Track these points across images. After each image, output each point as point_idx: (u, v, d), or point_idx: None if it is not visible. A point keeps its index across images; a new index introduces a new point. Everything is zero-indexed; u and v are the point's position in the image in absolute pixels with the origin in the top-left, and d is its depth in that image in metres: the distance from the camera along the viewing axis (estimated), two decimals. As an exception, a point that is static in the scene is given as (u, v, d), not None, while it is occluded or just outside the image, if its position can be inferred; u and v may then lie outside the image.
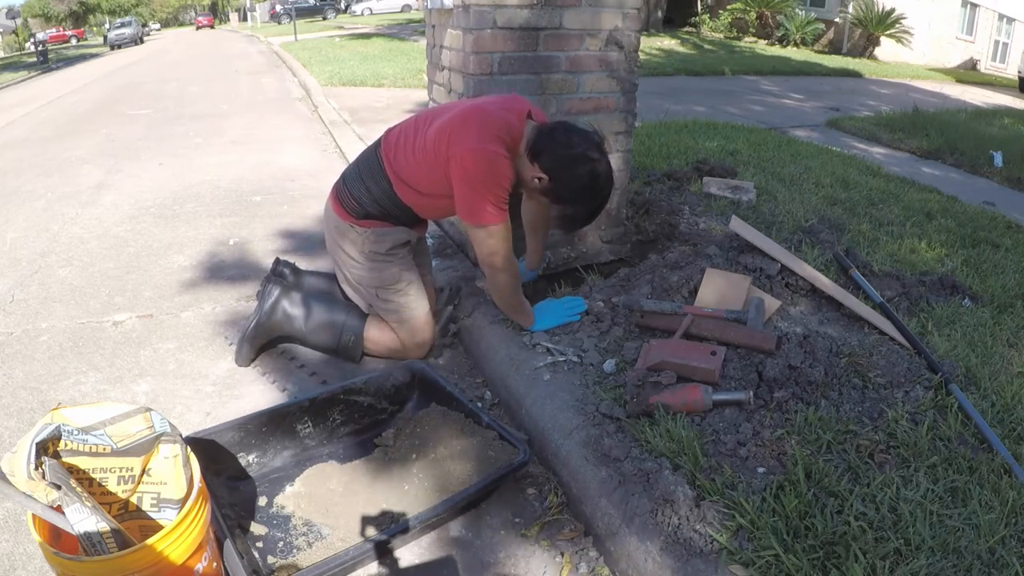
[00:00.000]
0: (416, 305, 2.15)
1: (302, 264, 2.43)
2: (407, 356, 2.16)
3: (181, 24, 65.76)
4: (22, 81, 14.14)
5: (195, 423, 1.94)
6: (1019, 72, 13.37)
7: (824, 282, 2.16)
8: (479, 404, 1.97)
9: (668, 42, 15.42)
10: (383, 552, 1.47)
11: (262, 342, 2.23)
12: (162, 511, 1.30)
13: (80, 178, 4.61)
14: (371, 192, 2.03)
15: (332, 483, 1.63)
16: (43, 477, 1.09)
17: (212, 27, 44.56)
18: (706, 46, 15.34)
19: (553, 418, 1.72)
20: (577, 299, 2.16)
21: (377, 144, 2.07)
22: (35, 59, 19.07)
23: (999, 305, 2.29)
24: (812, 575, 1.20)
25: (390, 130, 2.08)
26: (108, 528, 1.12)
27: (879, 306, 2.10)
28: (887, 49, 16.54)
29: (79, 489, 1.12)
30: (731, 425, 1.58)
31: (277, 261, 2.29)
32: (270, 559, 1.45)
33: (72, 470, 1.17)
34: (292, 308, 2.20)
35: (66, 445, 1.18)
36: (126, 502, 1.28)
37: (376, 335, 2.18)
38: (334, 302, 2.24)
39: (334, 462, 1.71)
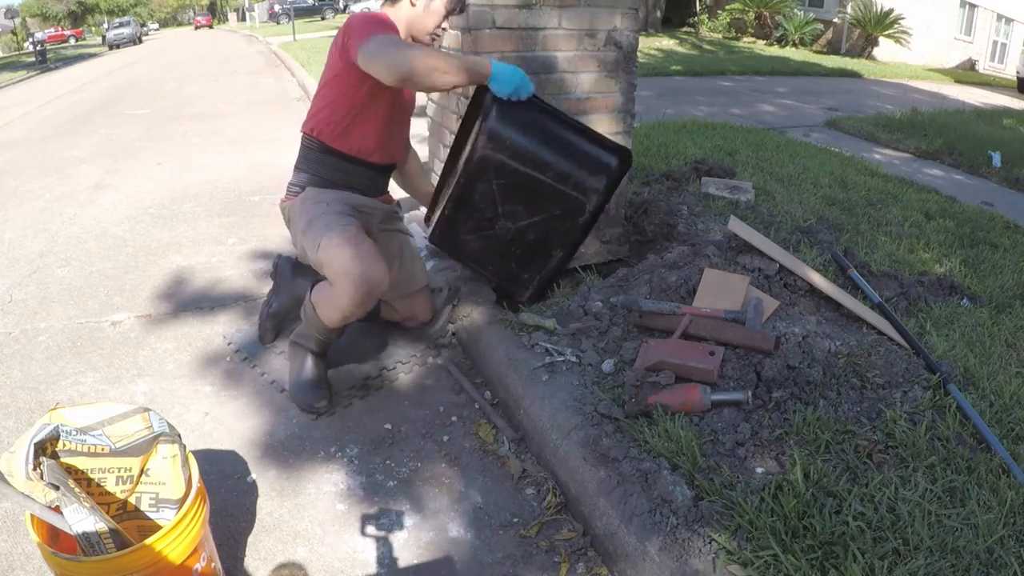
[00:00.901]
0: (340, 234, 1.83)
1: (301, 262, 2.43)
2: (348, 310, 1.84)
3: (179, 24, 65.72)
4: (20, 81, 14.12)
5: (193, 423, 1.94)
6: (1017, 72, 13.36)
7: (822, 282, 2.17)
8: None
9: (667, 42, 15.41)
10: None
11: (284, 317, 2.32)
12: (160, 511, 1.30)
13: (78, 178, 4.61)
14: (306, 169, 2.05)
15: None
16: (41, 477, 1.09)
17: (211, 27, 44.52)
18: (705, 46, 15.34)
19: (551, 418, 1.72)
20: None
21: (301, 141, 2.09)
22: (33, 59, 19.03)
23: (997, 305, 2.29)
24: (811, 575, 1.20)
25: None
26: (106, 528, 1.12)
27: (877, 306, 2.10)
28: (885, 49, 16.54)
29: (77, 489, 1.12)
30: (729, 425, 1.58)
31: (279, 257, 2.31)
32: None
33: (70, 470, 1.17)
34: (308, 276, 2.24)
35: (64, 445, 1.18)
36: (124, 502, 1.28)
37: (321, 293, 1.94)
38: None
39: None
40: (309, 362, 2.02)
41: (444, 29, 2.07)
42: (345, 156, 2.00)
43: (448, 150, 2.66)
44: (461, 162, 2.04)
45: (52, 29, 46.42)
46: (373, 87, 1.88)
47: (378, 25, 1.84)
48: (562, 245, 2.13)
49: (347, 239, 1.82)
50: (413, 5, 1.96)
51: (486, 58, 1.89)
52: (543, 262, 2.17)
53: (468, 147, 1.99)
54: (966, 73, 16.54)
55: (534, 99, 1.92)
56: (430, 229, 2.22)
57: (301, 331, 2.05)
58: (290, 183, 2.09)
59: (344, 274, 1.77)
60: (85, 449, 1.20)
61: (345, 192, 2.01)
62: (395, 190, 2.30)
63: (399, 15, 1.98)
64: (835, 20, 17.22)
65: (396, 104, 2.04)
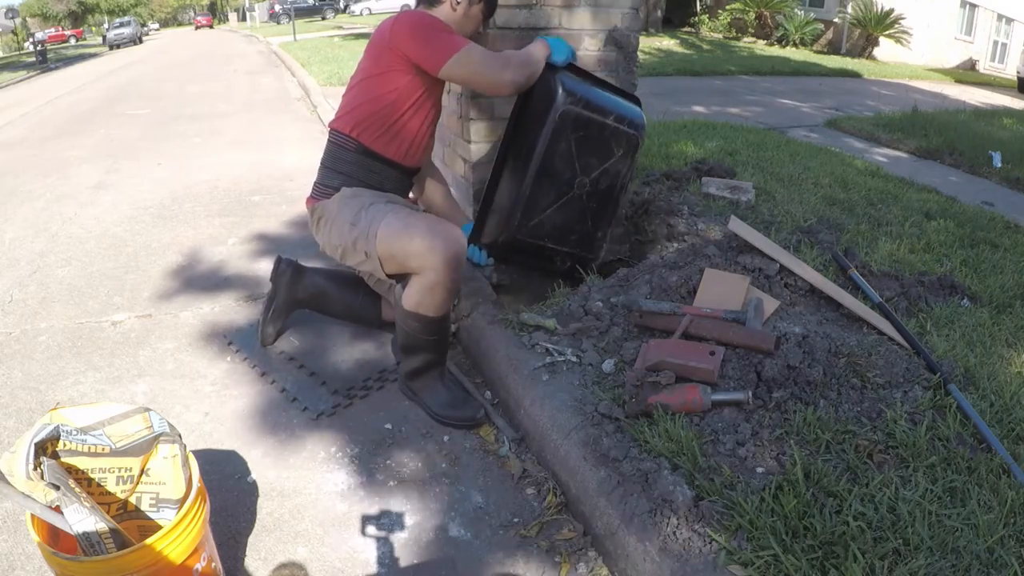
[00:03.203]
0: (395, 217, 1.83)
1: (303, 263, 2.43)
2: (449, 282, 1.80)
3: (180, 24, 65.72)
4: (21, 81, 14.12)
5: (194, 423, 1.94)
6: (1018, 72, 13.36)
7: (823, 282, 2.17)
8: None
9: (667, 42, 15.42)
10: None
11: (284, 318, 2.33)
12: (161, 511, 1.30)
13: (79, 178, 4.61)
14: (339, 169, 1.99)
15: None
16: (42, 477, 1.09)
17: (211, 27, 44.51)
18: (705, 46, 15.35)
19: (552, 418, 1.72)
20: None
21: (329, 137, 2.06)
22: (34, 59, 19.02)
23: (998, 305, 2.29)
24: (811, 575, 1.20)
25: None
26: (107, 528, 1.12)
27: (878, 306, 2.10)
28: (886, 49, 16.54)
29: (78, 489, 1.13)
30: (730, 425, 1.58)
31: (280, 259, 2.30)
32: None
33: (71, 470, 1.17)
34: (310, 278, 2.27)
35: (65, 445, 1.18)
36: (125, 502, 1.28)
37: (411, 292, 1.85)
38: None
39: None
40: (438, 381, 1.99)
41: (481, 32, 2.09)
42: (383, 159, 1.98)
43: (450, 148, 2.66)
44: (535, 133, 2.09)
45: (52, 29, 46.45)
46: (425, 91, 1.90)
47: (448, 34, 1.88)
48: (623, 186, 2.33)
49: (406, 216, 1.82)
50: (454, 9, 1.96)
51: (538, 40, 2.08)
52: (613, 210, 2.35)
53: (542, 114, 2.07)
54: (966, 73, 16.54)
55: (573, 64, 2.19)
56: (493, 236, 2.23)
57: (409, 365, 1.98)
58: (319, 183, 2.03)
59: (428, 249, 1.74)
60: (85, 449, 1.20)
61: (380, 192, 2.00)
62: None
63: (438, 16, 1.96)
64: (835, 20, 17.22)
65: (438, 107, 2.05)
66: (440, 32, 1.86)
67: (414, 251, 1.77)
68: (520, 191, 2.12)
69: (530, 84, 2.04)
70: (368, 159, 1.97)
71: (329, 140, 2.03)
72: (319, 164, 2.05)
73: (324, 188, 2.01)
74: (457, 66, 1.85)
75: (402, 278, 1.89)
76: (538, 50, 2.03)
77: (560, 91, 2.03)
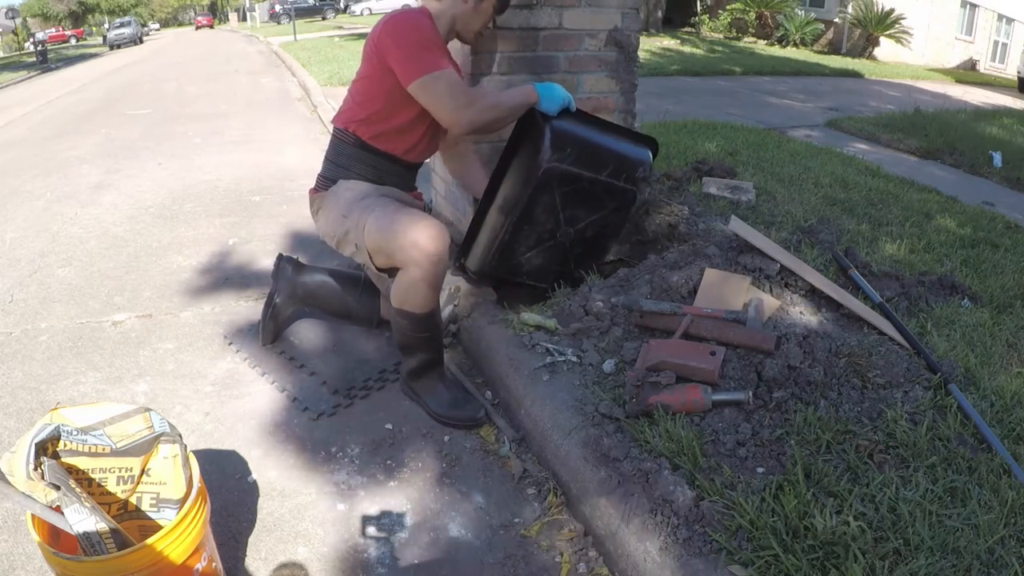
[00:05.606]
0: (384, 211, 1.86)
1: (303, 261, 2.43)
2: (431, 276, 1.81)
3: (180, 24, 65.74)
4: (21, 81, 14.13)
5: (194, 423, 1.94)
6: (1018, 72, 13.37)
7: (823, 282, 2.16)
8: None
9: (668, 42, 15.41)
10: None
11: (284, 317, 2.33)
12: (161, 511, 1.30)
13: (79, 178, 4.61)
14: (339, 163, 2.01)
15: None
16: (42, 477, 1.10)
17: (211, 27, 44.50)
18: (706, 46, 15.34)
19: (552, 418, 1.72)
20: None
21: (332, 131, 2.08)
22: (34, 59, 19.05)
23: (998, 305, 2.29)
24: (811, 575, 1.20)
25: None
26: (107, 528, 1.12)
27: (878, 306, 2.10)
28: (886, 49, 16.54)
29: (78, 489, 1.13)
30: (730, 425, 1.58)
31: (280, 257, 2.31)
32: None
33: (71, 470, 1.17)
34: (309, 276, 2.28)
35: (65, 445, 1.18)
36: (125, 502, 1.28)
37: (398, 288, 1.88)
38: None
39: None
40: (439, 382, 1.99)
41: (490, 28, 2.07)
42: (382, 153, 1.98)
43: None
44: (520, 183, 2.06)
45: (53, 29, 46.47)
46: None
47: (428, 51, 1.82)
48: (614, 235, 2.31)
49: (394, 211, 1.83)
50: (465, 2, 1.94)
51: (528, 85, 1.98)
52: (600, 255, 2.35)
53: (528, 166, 2.03)
54: (967, 73, 16.54)
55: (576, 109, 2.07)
56: (475, 265, 2.25)
57: (408, 364, 2.00)
58: (321, 175, 2.06)
59: (410, 243, 1.76)
60: (86, 449, 1.20)
61: (377, 185, 2.01)
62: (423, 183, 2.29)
63: (444, 9, 1.94)
64: (836, 20, 17.21)
65: None
66: (421, 47, 1.81)
67: (398, 245, 1.79)
68: (499, 234, 2.12)
69: (495, 128, 1.99)
70: (366, 153, 1.98)
71: (332, 134, 2.06)
72: (323, 157, 2.07)
73: (324, 180, 2.04)
74: (422, 88, 1.81)
75: (394, 272, 1.91)
76: (519, 95, 1.95)
77: (546, 146, 1.96)
